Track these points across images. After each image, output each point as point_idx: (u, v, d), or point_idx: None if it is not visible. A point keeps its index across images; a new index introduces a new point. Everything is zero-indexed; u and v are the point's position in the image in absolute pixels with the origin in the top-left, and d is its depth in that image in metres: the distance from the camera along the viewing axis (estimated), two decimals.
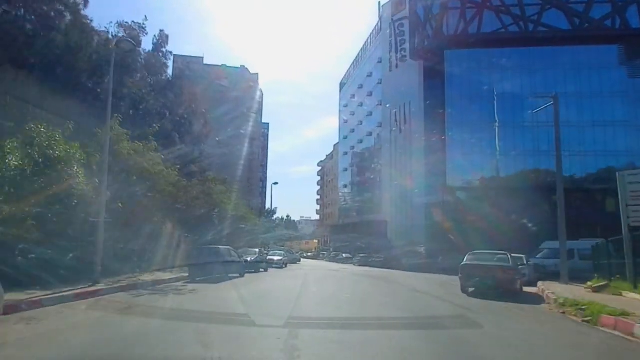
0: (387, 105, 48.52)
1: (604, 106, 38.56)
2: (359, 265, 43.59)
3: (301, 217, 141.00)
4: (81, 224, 11.80)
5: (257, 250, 25.50)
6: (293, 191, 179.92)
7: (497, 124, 39.40)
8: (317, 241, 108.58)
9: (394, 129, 47.17)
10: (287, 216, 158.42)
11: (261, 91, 64.88)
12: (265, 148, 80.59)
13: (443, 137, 40.48)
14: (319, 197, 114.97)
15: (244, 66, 55.81)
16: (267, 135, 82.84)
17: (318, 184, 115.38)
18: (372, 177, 55.13)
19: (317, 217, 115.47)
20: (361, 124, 59.62)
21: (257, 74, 59.65)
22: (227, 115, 51.34)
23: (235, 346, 5.37)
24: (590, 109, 38.34)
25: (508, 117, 39.09)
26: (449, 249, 36.77)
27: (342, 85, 73.64)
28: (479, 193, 39.46)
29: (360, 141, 59.59)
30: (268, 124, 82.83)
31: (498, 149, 39.24)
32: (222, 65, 53.74)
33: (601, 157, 38.28)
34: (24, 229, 9.93)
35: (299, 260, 47.43)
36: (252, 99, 55.14)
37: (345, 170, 68.62)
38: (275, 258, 29.17)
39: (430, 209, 40.96)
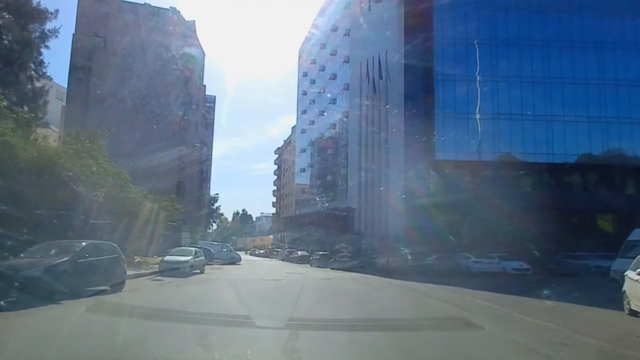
0: (356, 63, 38.22)
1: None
2: (317, 267, 33.26)
3: (261, 213, 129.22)
4: None
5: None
6: (255, 188, 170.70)
7: (500, 78, 30.37)
8: (272, 237, 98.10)
9: (364, 93, 36.82)
10: (243, 210, 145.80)
11: (202, 50, 52.43)
12: (210, 125, 67.86)
13: (430, 98, 30.79)
14: (275, 187, 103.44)
15: (175, 8, 43.13)
16: (214, 109, 69.94)
17: (275, 174, 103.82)
18: (336, 155, 44.76)
19: (274, 210, 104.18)
20: (322, 92, 48.95)
21: (194, 21, 46.97)
22: (153, 64, 38.84)
23: None
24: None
25: (514, 68, 30.26)
26: (438, 245, 27.36)
27: (300, 53, 62.66)
28: (477, 172, 30.29)
29: (322, 113, 48.95)
30: (214, 97, 69.95)
31: (502, 113, 30.21)
32: (145, 3, 41.09)
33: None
34: None
35: (238, 260, 36.03)
36: (186, 48, 42.86)
37: (303, 151, 57.79)
38: (178, 258, 17.58)
39: (413, 193, 31.21)
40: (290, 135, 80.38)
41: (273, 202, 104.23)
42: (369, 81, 35.08)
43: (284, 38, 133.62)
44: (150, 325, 6.77)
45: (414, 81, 30.72)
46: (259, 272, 24.28)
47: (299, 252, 43.99)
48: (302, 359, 5.12)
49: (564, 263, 23.74)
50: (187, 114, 46.35)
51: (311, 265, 35.71)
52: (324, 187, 48.03)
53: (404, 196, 31.71)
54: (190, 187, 47.66)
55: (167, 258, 17.69)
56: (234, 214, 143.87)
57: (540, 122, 30.36)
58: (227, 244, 38.28)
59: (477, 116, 29.86)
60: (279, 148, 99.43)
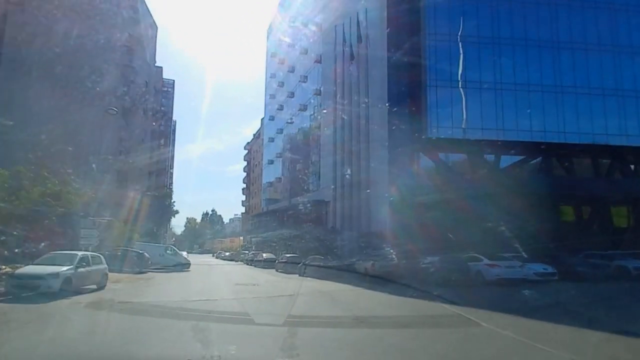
0: (330, 29, 32.09)
1: None
2: (283, 272, 26.99)
3: (235, 214, 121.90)
4: None
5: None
6: (231, 190, 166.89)
7: (503, 41, 25.11)
8: (241, 238, 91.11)
9: (339, 63, 30.80)
10: (213, 211, 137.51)
11: (154, 22, 45.03)
12: (169, 112, 60.05)
13: (419, 64, 25.14)
14: (244, 185, 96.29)
15: None
16: (172, 95, 62.10)
17: (244, 170, 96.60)
18: (307, 140, 38.56)
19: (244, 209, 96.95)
20: (293, 71, 42.60)
21: None
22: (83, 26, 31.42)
23: None
24: None
25: (518, 30, 25.05)
26: (431, 243, 21.75)
27: (269, 32, 55.97)
28: (477, 155, 24.93)
29: (291, 94, 42.62)
30: (173, 80, 62.12)
31: (505, 82, 24.91)
32: None
33: None
34: None
35: (186, 266, 29.20)
36: (128, 12, 35.59)
37: (271, 140, 51.24)
38: (41, 270, 10.62)
39: (400, 181, 25.48)
40: (260, 128, 73.52)
41: (242, 201, 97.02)
42: (345, 46, 29.11)
43: (253, 32, 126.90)
44: None
45: (399, 42, 24.97)
46: (197, 285, 17.61)
47: (264, 255, 37.44)
48: None
49: (592, 265, 18.59)
50: (133, 93, 39.00)
51: (277, 271, 29.40)
52: (293, 179, 41.69)
53: (388, 185, 25.94)
54: (136, 180, 40.21)
55: (23, 270, 10.87)
56: (203, 214, 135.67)
57: (549, 94, 25.36)
58: (172, 246, 31.31)
59: (477, 87, 24.43)
60: (248, 143, 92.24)
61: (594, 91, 25.67)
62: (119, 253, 22.90)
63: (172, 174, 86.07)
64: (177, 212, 49.67)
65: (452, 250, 20.58)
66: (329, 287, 16.83)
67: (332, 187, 30.39)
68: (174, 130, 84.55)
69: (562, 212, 27.97)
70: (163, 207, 42.80)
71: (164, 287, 15.75)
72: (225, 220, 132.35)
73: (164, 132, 58.16)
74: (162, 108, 58.49)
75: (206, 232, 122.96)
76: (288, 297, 12.69)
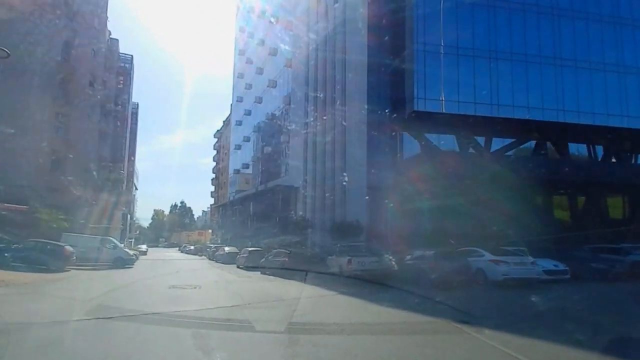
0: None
1: None
2: (244, 269, 22.99)
3: (208, 206, 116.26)
4: None
5: None
6: (203, 183, 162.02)
7: (497, 3, 21.73)
8: (210, 231, 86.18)
9: (312, 26, 26.63)
10: (182, 203, 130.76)
11: None
12: (127, 92, 53.72)
13: (404, 23, 21.41)
14: (214, 175, 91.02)
15: None
16: (131, 73, 55.53)
17: (214, 160, 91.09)
18: (275, 118, 34.32)
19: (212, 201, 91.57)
20: (262, 44, 37.95)
21: None
22: None
23: None
24: None
25: None
26: (415, 237, 18.41)
27: (237, 9, 50.71)
28: (469, 133, 21.63)
29: (260, 71, 38.05)
30: (131, 56, 55.60)
31: (501, 51, 21.58)
32: None
33: None
34: None
35: (129, 262, 24.71)
36: None
37: (239, 123, 46.53)
38: None
39: (380, 164, 21.87)
40: (230, 115, 68.29)
41: (212, 192, 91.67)
42: (319, 4, 24.94)
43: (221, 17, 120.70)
44: None
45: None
46: (106, 290, 13.14)
47: (226, 249, 33.18)
48: None
49: (604, 260, 15.60)
50: (76, 59, 33.27)
51: (238, 267, 25.32)
52: (262, 165, 37.37)
53: (366, 168, 22.28)
54: (79, 163, 34.63)
55: None
56: (171, 206, 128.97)
57: (548, 66, 22.34)
58: (112, 238, 26.42)
59: (469, 54, 20.96)
60: (218, 131, 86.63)
61: (594, 65, 22.94)
62: (33, 246, 18.13)
63: (133, 161, 79.41)
64: (131, 201, 43.99)
65: (439, 243, 17.28)
66: (292, 291, 12.94)
67: (303, 171, 26.41)
68: (136, 114, 77.84)
69: (556, 202, 25.32)
70: (114, 195, 37.41)
71: (34, 297, 11.04)
72: (199, 213, 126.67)
73: (120, 113, 51.96)
74: (119, 86, 52.23)
75: (175, 225, 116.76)
76: (228, 310, 8.72)
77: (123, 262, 23.94)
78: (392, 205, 20.99)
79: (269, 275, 19.12)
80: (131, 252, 26.47)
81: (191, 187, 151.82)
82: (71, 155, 32.54)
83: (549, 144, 25.27)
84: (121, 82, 52.89)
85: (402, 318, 7.92)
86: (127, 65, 54.89)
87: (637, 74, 23.68)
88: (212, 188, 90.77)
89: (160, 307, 8.84)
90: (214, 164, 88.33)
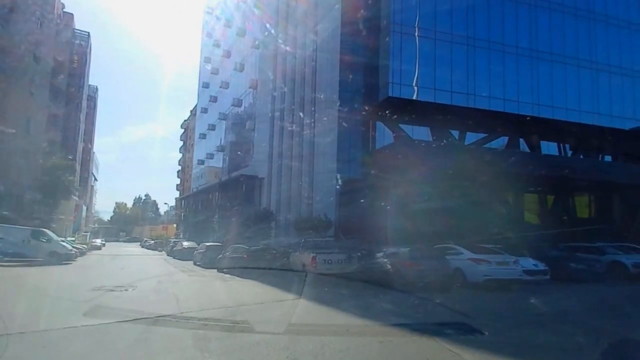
0: None
1: None
2: (201, 266, 20.67)
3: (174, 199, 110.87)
4: None
5: None
6: (172, 177, 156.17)
7: None
8: (175, 225, 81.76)
9: (282, 10, 24.34)
10: (146, 195, 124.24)
11: None
12: (82, 72, 48.89)
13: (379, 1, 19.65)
14: (180, 167, 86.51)
15: None
16: (87, 52, 50.59)
17: (180, 151, 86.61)
18: (243, 107, 31.81)
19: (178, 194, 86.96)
20: (230, 25, 35.10)
21: None
22: None
23: None
24: None
25: None
26: (385, 233, 16.85)
27: None
28: (445, 123, 20.25)
29: (228, 54, 35.25)
30: (88, 33, 50.62)
31: (479, 39, 20.32)
32: None
33: None
34: None
35: (65, 258, 21.64)
36: None
37: (204, 111, 43.42)
38: None
39: (351, 154, 20.09)
40: (198, 104, 64.49)
41: (177, 185, 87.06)
42: None
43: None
44: None
45: None
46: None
47: (184, 244, 30.47)
48: None
49: (583, 260, 14.61)
50: (15, 28, 29.09)
51: (194, 263, 22.88)
52: (227, 154, 34.69)
53: (337, 159, 20.45)
54: (18, 145, 30.46)
55: None
56: (135, 199, 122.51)
57: (524, 57, 21.39)
58: (47, 231, 22.99)
59: (448, 39, 19.52)
60: (185, 120, 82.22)
61: (569, 60, 22.27)
62: None
63: (91, 149, 73.60)
64: (76, 190, 39.66)
65: (413, 238, 15.78)
66: (243, 295, 10.86)
67: (268, 161, 24.20)
68: (95, 99, 72.09)
69: (527, 199, 24.63)
70: (62, 184, 33.31)
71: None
72: (167, 207, 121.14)
73: (74, 95, 47.25)
74: (74, 65, 47.43)
75: (138, 219, 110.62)
76: (143, 326, 6.53)
77: (59, 258, 20.74)
78: (363, 199, 19.33)
79: (226, 273, 16.94)
80: (70, 247, 23.14)
81: (160, 181, 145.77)
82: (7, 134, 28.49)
83: (521, 140, 24.53)
84: (76, 61, 48.12)
85: (376, 336, 6.08)
86: (83, 43, 50.04)
87: (608, 72, 23.29)
88: (179, 181, 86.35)
89: (56, 319, 6.51)
90: (181, 155, 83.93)
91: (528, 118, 21.10)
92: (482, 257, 11.27)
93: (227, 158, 34.96)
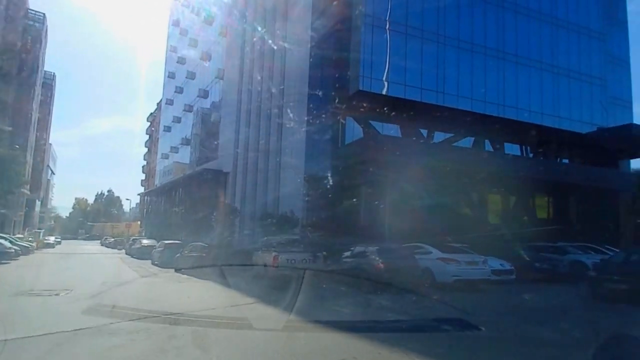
0: None
1: None
2: (159, 266, 19.02)
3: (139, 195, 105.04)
4: None
5: None
6: (139, 173, 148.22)
7: None
8: (139, 222, 77.47)
9: None
10: (109, 191, 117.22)
11: None
12: (36, 55, 44.71)
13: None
14: (145, 162, 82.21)
15: None
16: (42, 34, 46.34)
17: (146, 145, 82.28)
18: (209, 98, 30.07)
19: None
20: (196, 14, 33.11)
21: None
22: None
23: None
24: None
25: None
26: (354, 231, 16.08)
27: None
28: (409, 124, 19.72)
29: (194, 43, 33.27)
30: (43, 14, 46.38)
31: (449, 37, 19.93)
32: None
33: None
34: None
35: (7, 255, 19.15)
36: None
37: (170, 102, 41.03)
38: None
39: (319, 150, 19.13)
40: (163, 95, 61.17)
41: (142, 180, 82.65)
42: None
43: None
44: None
45: None
46: None
47: (143, 242, 28.41)
48: None
49: (546, 259, 14.46)
50: None
51: (152, 263, 21.13)
52: (192, 147, 32.74)
53: (304, 155, 19.43)
54: None
55: None
56: (97, 195, 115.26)
57: (492, 58, 21.32)
58: None
59: (418, 35, 18.96)
60: (151, 113, 78.17)
61: (533, 63, 22.47)
62: None
63: (46, 140, 68.13)
64: (25, 184, 36.16)
65: (381, 237, 15.12)
66: (198, 298, 9.61)
67: (234, 155, 22.78)
68: (52, 87, 66.76)
69: (491, 199, 24.75)
70: (2, 175, 29.94)
71: None
72: (132, 204, 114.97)
73: (25, 79, 43.12)
74: (27, 47, 43.26)
75: (100, 216, 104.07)
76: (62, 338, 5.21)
77: None
78: (331, 195, 18.45)
79: (183, 274, 15.51)
80: (9, 245, 20.67)
81: (126, 176, 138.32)
82: None
83: (487, 141, 24.59)
84: (29, 43, 43.94)
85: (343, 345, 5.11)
86: (37, 24, 45.81)
87: (568, 76, 23.76)
88: (143, 176, 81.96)
89: None
90: (146, 149, 79.72)
91: (493, 118, 21.04)
92: (452, 256, 10.66)
93: (194, 152, 33.02)
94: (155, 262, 20.95)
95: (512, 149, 25.79)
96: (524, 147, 25.82)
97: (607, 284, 8.97)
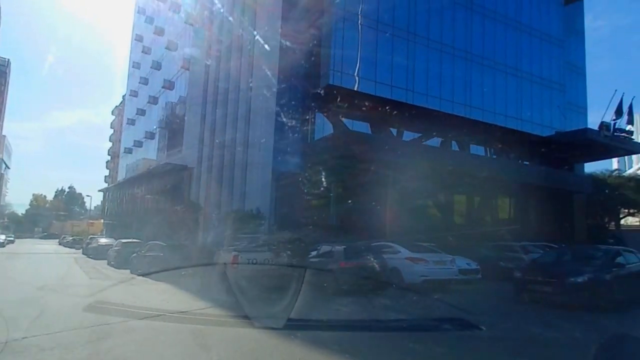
0: None
1: None
2: (115, 266, 17.50)
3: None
4: None
5: None
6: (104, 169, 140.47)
7: None
8: (102, 221, 73.09)
9: None
10: (70, 187, 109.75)
11: None
12: None
13: None
14: (109, 157, 77.73)
15: None
16: None
17: (110, 140, 77.80)
18: (174, 91, 28.37)
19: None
20: (164, 0, 31.10)
21: None
22: None
23: None
24: None
25: None
26: (326, 229, 15.43)
27: None
28: (379, 120, 19.27)
29: (160, 32, 31.31)
30: None
31: (419, 35, 19.64)
32: None
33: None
34: None
35: None
36: None
37: (134, 94, 38.60)
38: None
39: (288, 145, 18.26)
40: (127, 86, 57.71)
41: (105, 177, 78.11)
42: None
43: None
44: None
45: None
46: None
47: (101, 241, 26.51)
48: None
49: (509, 259, 14.36)
50: None
51: (108, 263, 19.49)
52: (157, 141, 30.82)
53: (272, 150, 18.49)
54: None
55: None
56: (57, 192, 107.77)
57: (460, 59, 21.31)
58: None
59: (389, 31, 18.50)
60: (117, 106, 73.97)
61: (498, 66, 22.73)
62: None
63: None
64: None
65: (348, 235, 14.48)
66: (141, 301, 8.49)
67: (198, 149, 21.43)
68: (5, 74, 61.52)
69: (456, 200, 24.89)
70: None
71: None
72: (97, 201, 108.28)
73: None
74: None
75: (60, 213, 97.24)
76: None
77: None
78: (300, 192, 17.65)
79: (139, 275, 14.21)
80: None
81: (90, 173, 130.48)
82: None
83: (454, 142, 24.65)
84: None
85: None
86: None
87: (530, 81, 24.26)
88: (107, 172, 77.40)
89: None
90: (111, 144, 75.24)
91: (460, 119, 21.03)
92: (420, 256, 10.16)
93: (159, 146, 31.06)
94: (111, 263, 19.33)
95: (477, 150, 26.07)
96: (488, 148, 26.18)
97: (532, 286, 8.20)
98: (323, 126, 20.10)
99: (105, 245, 24.23)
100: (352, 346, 5.11)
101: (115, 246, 20.47)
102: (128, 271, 15.82)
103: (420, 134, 23.24)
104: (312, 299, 8.64)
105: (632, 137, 26.91)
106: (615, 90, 24.38)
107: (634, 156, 55.72)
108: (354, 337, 5.90)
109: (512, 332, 6.22)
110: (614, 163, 40.14)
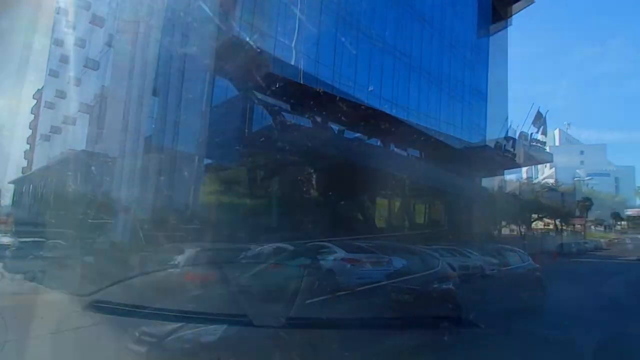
0: None
1: None
2: (13, 268, 14.19)
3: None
4: None
5: None
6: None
7: None
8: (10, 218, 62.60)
9: None
10: None
11: None
12: None
13: None
14: (28, 146, 67.64)
15: None
16: None
17: (30, 127, 67.56)
18: (99, 71, 24.73)
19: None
20: None
21: None
22: None
23: None
24: None
25: None
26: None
27: None
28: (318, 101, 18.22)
29: (87, 5, 27.05)
30: None
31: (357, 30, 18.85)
32: None
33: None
34: None
35: None
36: None
37: (55, 74, 33.32)
38: None
39: (223, 135, 16.36)
40: (48, 65, 50.09)
41: (23, 168, 67.82)
42: None
43: None
44: None
45: None
46: None
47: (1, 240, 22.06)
48: None
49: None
50: None
51: (3, 267, 15.94)
52: (80, 125, 26.73)
53: (205, 142, 16.49)
54: None
55: None
56: None
57: (388, 55, 21.09)
58: None
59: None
60: (38, 90, 64.35)
61: (414, 62, 22.90)
62: None
63: None
64: None
65: (280, 236, 13.12)
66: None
67: (122, 137, 18.58)
68: None
69: (378, 203, 24.88)
70: None
71: None
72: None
73: None
74: None
75: None
76: None
77: None
78: (233, 188, 15.92)
79: (32, 281, 11.55)
80: None
81: (8, 164, 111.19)
82: None
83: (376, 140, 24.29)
84: None
85: None
86: None
87: (448, 95, 25.16)
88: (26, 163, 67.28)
89: None
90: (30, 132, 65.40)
91: (385, 116, 20.67)
92: (356, 256, 9.17)
93: (79, 133, 26.85)
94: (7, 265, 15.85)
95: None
96: (408, 152, 26.36)
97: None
98: (262, 116, 18.42)
99: (3, 245, 20.14)
100: None
101: (12, 246, 16.85)
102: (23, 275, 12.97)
103: (345, 128, 22.13)
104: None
105: (544, 147, 29.54)
106: (532, 104, 26.61)
107: (539, 166, 61.12)
108: None
109: None
110: (524, 173, 43.94)
